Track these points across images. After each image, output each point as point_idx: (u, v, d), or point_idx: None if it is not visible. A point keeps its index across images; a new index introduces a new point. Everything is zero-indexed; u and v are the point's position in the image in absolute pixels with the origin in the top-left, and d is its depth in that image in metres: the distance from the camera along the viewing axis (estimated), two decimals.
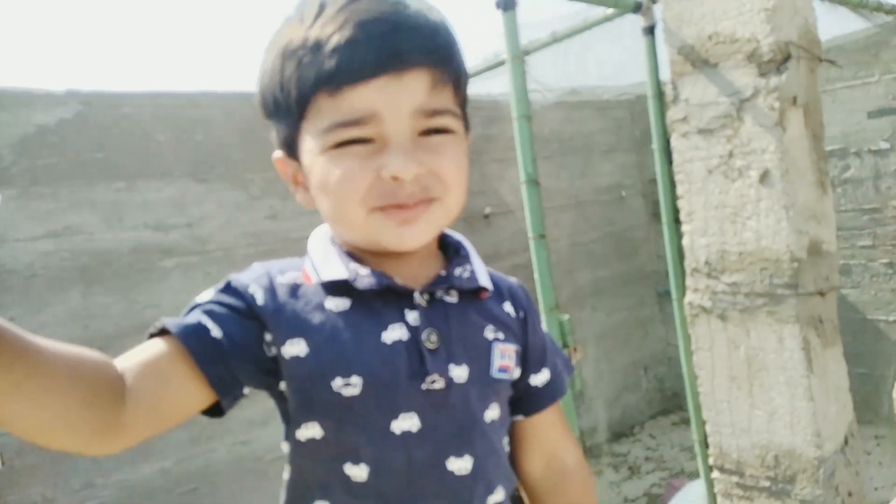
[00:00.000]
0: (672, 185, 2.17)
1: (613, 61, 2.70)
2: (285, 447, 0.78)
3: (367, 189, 0.70)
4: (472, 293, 0.81)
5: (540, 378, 0.88)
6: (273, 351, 0.73)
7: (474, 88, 3.11)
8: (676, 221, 2.23)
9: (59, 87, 2.15)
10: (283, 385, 0.74)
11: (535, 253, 1.76)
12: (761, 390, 1.93)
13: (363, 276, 0.74)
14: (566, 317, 1.75)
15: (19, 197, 2.04)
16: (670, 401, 3.71)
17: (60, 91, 2.15)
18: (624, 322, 3.57)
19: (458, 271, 0.80)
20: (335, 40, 0.68)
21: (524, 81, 1.75)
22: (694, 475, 2.92)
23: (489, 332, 0.80)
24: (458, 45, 0.77)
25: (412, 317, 0.75)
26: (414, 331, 0.75)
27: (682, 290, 2.27)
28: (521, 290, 0.91)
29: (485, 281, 0.82)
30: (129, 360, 0.68)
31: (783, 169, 1.79)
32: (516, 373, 0.83)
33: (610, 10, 2.14)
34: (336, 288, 0.76)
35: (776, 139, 1.78)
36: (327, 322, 0.73)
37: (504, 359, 0.80)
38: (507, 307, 0.85)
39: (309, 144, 0.73)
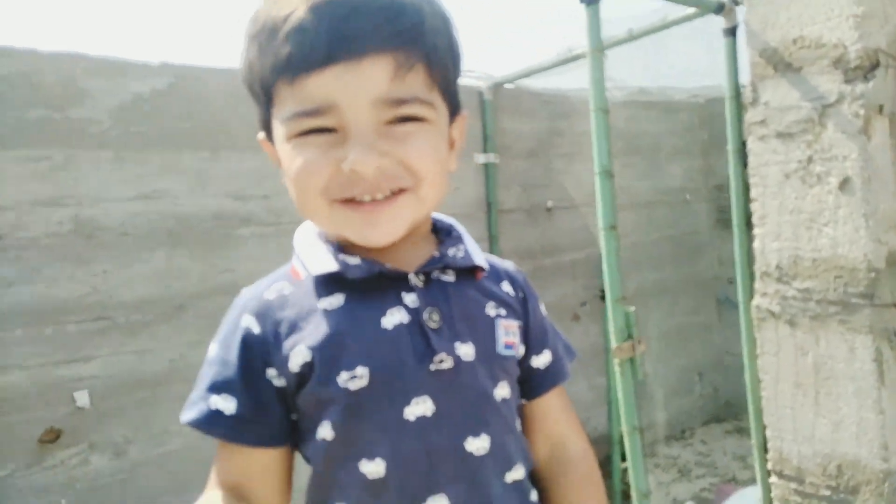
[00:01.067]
0: (745, 188, 2.15)
1: (685, 63, 2.69)
2: (302, 452, 0.77)
3: (328, 181, 0.68)
4: (468, 272, 0.79)
5: (541, 360, 0.85)
6: (282, 380, 0.72)
7: (543, 82, 3.14)
8: (747, 225, 2.21)
9: (154, 58, 2.27)
10: (295, 397, 0.73)
11: (605, 243, 1.78)
12: (828, 399, 1.90)
13: (353, 266, 0.73)
14: (632, 308, 1.77)
15: (114, 160, 2.16)
16: (723, 409, 3.66)
17: (155, 62, 2.27)
18: (681, 326, 3.55)
19: (451, 251, 0.78)
20: (289, 25, 0.65)
21: (602, 75, 1.77)
22: (745, 483, 2.89)
23: (491, 309, 0.78)
24: (436, 22, 0.71)
25: (410, 299, 0.74)
26: (414, 312, 0.73)
27: (749, 293, 2.26)
28: (519, 273, 0.88)
29: (480, 260, 0.81)
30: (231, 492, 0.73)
31: (865, 177, 1.76)
32: (521, 349, 0.81)
33: (690, 10, 2.14)
34: (328, 284, 0.74)
35: (859, 147, 1.76)
36: (323, 322, 0.71)
37: (508, 335, 0.78)
38: (506, 286, 0.83)
39: (277, 131, 0.72)
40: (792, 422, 1.99)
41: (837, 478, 1.90)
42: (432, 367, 0.72)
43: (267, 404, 0.72)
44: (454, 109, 0.79)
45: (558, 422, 0.87)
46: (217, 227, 2.32)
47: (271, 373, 0.72)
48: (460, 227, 0.86)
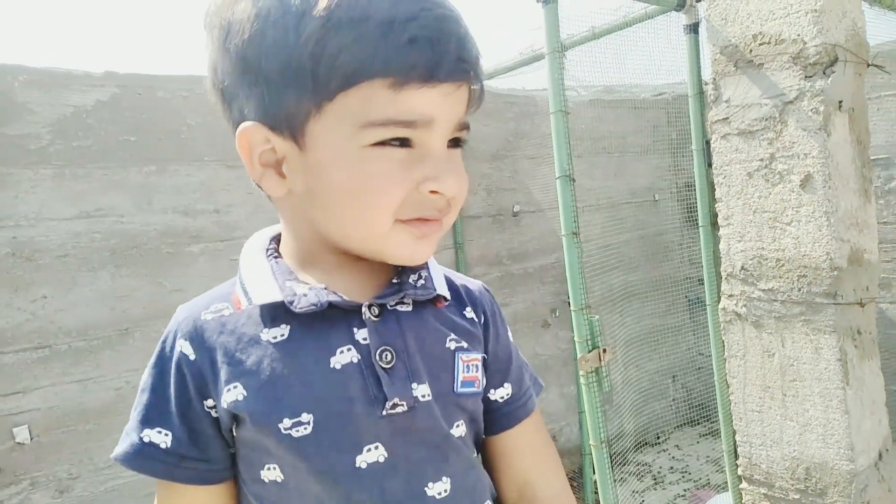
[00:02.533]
0: (710, 187, 2.12)
1: (651, 60, 2.65)
2: (247, 490, 0.70)
3: (403, 200, 0.63)
4: (428, 300, 0.73)
5: (500, 393, 0.79)
6: (219, 413, 0.67)
7: (508, 83, 3.09)
8: (713, 225, 2.18)
9: (97, 68, 2.18)
10: (234, 432, 0.68)
11: (567, 250, 1.73)
12: (795, 401, 1.88)
13: (301, 297, 0.66)
14: (596, 317, 1.72)
15: (54, 177, 2.06)
16: (697, 411, 3.64)
17: (99, 72, 2.17)
18: (653, 328, 3.52)
19: (412, 278, 0.73)
20: (415, 28, 0.59)
21: (562, 76, 1.72)
22: (720, 488, 2.86)
23: (451, 342, 0.72)
24: None
25: (361, 335, 0.67)
26: (365, 350, 0.67)
27: (717, 295, 2.23)
28: (485, 294, 0.82)
29: (441, 288, 0.75)
30: None
31: (826, 174, 1.74)
32: (484, 382, 0.75)
33: (652, 7, 2.10)
34: (273, 311, 0.67)
35: (820, 144, 1.73)
36: (264, 358, 0.65)
37: (469, 370, 0.73)
38: (468, 312, 0.78)
39: (334, 133, 0.62)
40: (760, 426, 1.96)
41: (806, 481, 1.88)
42: (384, 413, 0.66)
43: (205, 438, 0.67)
44: None
45: (525, 460, 0.80)
46: (165, 245, 2.23)
47: (209, 404, 0.66)
48: None
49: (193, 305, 0.71)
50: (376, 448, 0.66)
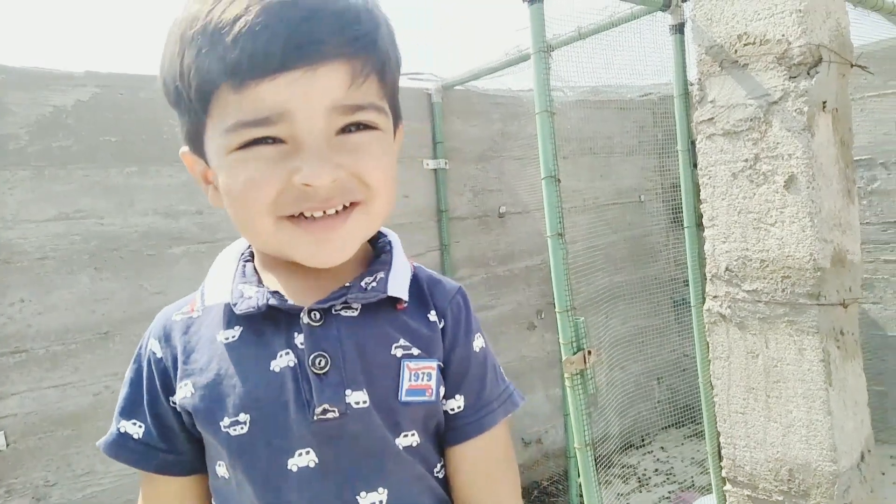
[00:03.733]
0: (695, 188, 2.12)
1: (637, 61, 2.65)
2: (210, 481, 0.73)
3: (276, 196, 0.62)
4: (383, 303, 0.71)
5: (451, 404, 0.74)
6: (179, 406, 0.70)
7: (494, 83, 3.08)
8: (698, 226, 2.18)
9: (78, 68, 2.14)
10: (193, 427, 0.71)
11: (552, 252, 1.72)
12: (778, 402, 1.88)
13: (245, 299, 0.68)
14: (581, 319, 1.71)
15: (33, 178, 2.03)
16: (682, 413, 3.65)
17: (80, 72, 2.14)
18: (639, 330, 3.52)
19: (366, 281, 0.71)
20: (239, 26, 0.58)
21: (548, 76, 1.71)
22: (704, 490, 2.87)
23: (398, 349, 0.70)
24: (386, 30, 0.68)
25: (300, 339, 0.68)
26: (301, 355, 0.67)
27: (701, 296, 2.23)
28: (455, 299, 0.78)
29: (398, 289, 0.72)
30: None
31: (810, 175, 1.74)
32: (441, 391, 0.72)
33: (638, 7, 2.10)
34: (230, 314, 0.69)
35: (804, 144, 1.73)
36: (214, 358, 0.68)
37: (418, 379, 0.70)
38: (432, 316, 0.75)
39: (214, 143, 0.64)
40: (744, 427, 1.96)
41: (789, 482, 1.88)
42: (315, 418, 0.66)
43: (172, 431, 0.71)
44: (396, 120, 0.74)
45: (471, 481, 0.75)
46: (146, 247, 2.20)
47: (173, 399, 0.70)
48: (396, 246, 0.78)
49: (169, 308, 0.75)
50: (307, 453, 0.66)
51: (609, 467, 2.98)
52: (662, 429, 3.79)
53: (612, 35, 2.34)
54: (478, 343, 0.78)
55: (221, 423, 0.66)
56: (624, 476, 3.17)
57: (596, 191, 3.55)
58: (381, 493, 0.68)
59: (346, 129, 0.64)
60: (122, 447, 0.71)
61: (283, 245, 0.65)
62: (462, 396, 0.75)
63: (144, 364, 0.72)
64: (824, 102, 1.76)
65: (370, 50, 0.64)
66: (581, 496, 3.06)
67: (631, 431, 3.55)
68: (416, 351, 0.71)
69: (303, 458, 0.66)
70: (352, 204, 0.65)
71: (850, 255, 1.85)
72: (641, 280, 3.62)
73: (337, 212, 0.64)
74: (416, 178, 2.94)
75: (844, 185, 1.84)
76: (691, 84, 2.20)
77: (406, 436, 0.70)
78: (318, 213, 0.63)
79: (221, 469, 0.69)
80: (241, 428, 0.66)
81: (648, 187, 3.82)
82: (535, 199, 3.26)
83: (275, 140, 0.62)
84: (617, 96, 3.64)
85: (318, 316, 0.68)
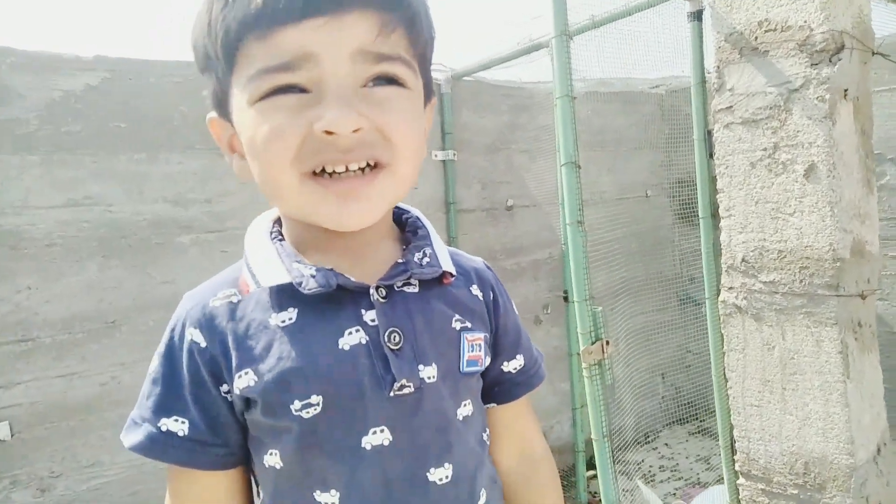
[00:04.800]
0: (711, 178, 2.10)
1: (652, 50, 2.63)
2: (252, 471, 0.73)
3: (298, 147, 0.60)
4: (435, 279, 0.73)
5: (514, 364, 0.81)
6: (231, 396, 0.67)
7: (503, 74, 3.05)
8: (714, 216, 2.16)
9: (87, 52, 2.11)
10: (245, 416, 0.69)
11: (571, 240, 1.70)
12: (794, 395, 1.86)
13: (309, 278, 0.65)
14: (599, 308, 1.69)
15: (42, 163, 2.00)
16: (686, 410, 3.64)
17: (89, 56, 2.11)
18: (643, 326, 3.50)
19: (417, 256, 0.72)
20: None
21: (569, 60, 1.68)
22: (710, 486, 2.85)
23: (457, 322, 0.72)
24: None
25: (370, 316, 0.67)
26: (373, 332, 0.67)
27: (715, 288, 2.21)
28: (489, 271, 0.83)
29: (447, 264, 0.74)
30: None
31: (830, 164, 1.72)
32: (487, 361, 0.76)
33: None
34: (280, 296, 0.67)
35: (825, 132, 1.72)
36: (274, 342, 0.66)
37: (473, 349, 0.73)
38: (475, 290, 0.78)
39: (238, 98, 0.63)
40: (759, 420, 1.94)
41: (805, 475, 1.86)
42: (392, 394, 0.66)
43: (222, 423, 0.68)
44: (427, 93, 0.72)
45: (527, 424, 0.85)
46: (155, 235, 2.17)
47: (224, 389, 0.67)
48: (426, 223, 0.79)
49: (200, 293, 0.71)
50: (381, 431, 0.66)
51: (615, 463, 2.96)
52: (666, 425, 3.77)
53: (626, 24, 2.31)
54: (514, 307, 0.84)
55: (292, 407, 0.64)
56: (629, 473, 3.15)
57: (603, 185, 3.53)
58: (447, 469, 0.69)
59: (373, 83, 0.62)
60: (167, 446, 0.66)
61: (308, 205, 0.63)
62: (521, 356, 0.82)
63: (183, 355, 0.67)
64: (846, 90, 1.74)
65: (399, 5, 0.62)
66: (589, 491, 3.05)
67: (637, 427, 3.54)
68: (469, 324, 0.73)
69: (377, 437, 0.66)
70: (377, 165, 0.63)
71: (870, 245, 1.84)
72: (648, 275, 3.60)
73: (361, 170, 0.62)
74: (424, 168, 2.91)
75: (864, 175, 1.83)
76: (708, 72, 2.18)
77: (464, 405, 0.73)
78: (340, 168, 0.61)
79: (273, 458, 0.67)
80: (314, 409, 0.64)
81: (655, 182, 3.81)
82: (544, 192, 3.24)
83: (298, 90, 0.60)
84: (626, 87, 3.62)
85: (384, 293, 0.68)
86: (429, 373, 0.68)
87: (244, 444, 0.71)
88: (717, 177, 1.93)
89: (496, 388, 0.80)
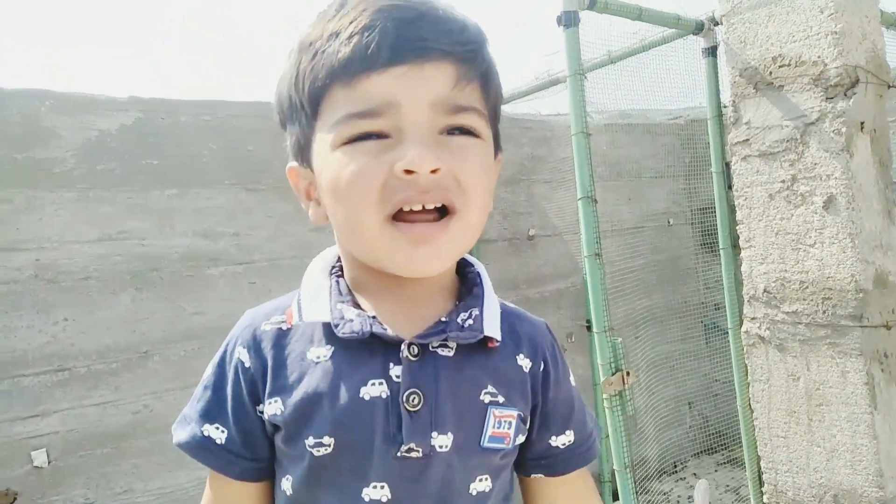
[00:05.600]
0: (731, 209, 2.11)
1: (666, 84, 2.67)
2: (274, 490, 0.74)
3: (381, 188, 0.62)
4: (476, 342, 0.70)
5: (563, 439, 0.77)
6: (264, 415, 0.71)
7: (523, 108, 3.11)
8: (734, 247, 2.17)
9: (121, 93, 2.21)
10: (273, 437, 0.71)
11: (590, 272, 1.72)
12: (821, 426, 1.85)
13: (347, 322, 0.67)
14: (619, 339, 1.70)
15: (78, 200, 2.08)
16: (714, 440, 3.58)
17: (123, 97, 2.20)
18: (669, 354, 3.48)
19: (462, 317, 0.70)
20: (352, 28, 0.62)
21: (583, 98, 1.72)
22: None
23: (486, 395, 0.70)
24: (489, 48, 0.70)
25: (396, 371, 0.67)
26: (395, 388, 0.66)
27: (738, 318, 2.21)
28: (546, 337, 0.79)
29: (492, 328, 0.71)
30: None
31: (849, 196, 1.73)
32: (519, 438, 0.73)
33: (669, 31, 2.12)
34: (323, 332, 0.69)
35: (842, 165, 1.73)
36: (305, 376, 0.68)
37: (500, 426, 0.70)
38: (521, 359, 0.74)
39: (320, 144, 0.66)
40: (786, 451, 1.93)
41: None
42: (399, 454, 0.66)
43: (256, 439, 0.71)
44: (497, 146, 0.74)
45: (581, 498, 0.81)
46: (185, 268, 2.23)
47: (260, 409, 0.70)
48: (485, 280, 0.77)
49: (257, 313, 0.74)
50: (382, 487, 0.66)
51: (644, 493, 2.93)
52: (695, 455, 3.72)
53: (642, 58, 2.36)
54: (572, 378, 0.81)
55: (306, 442, 0.66)
56: (658, 503, 3.11)
57: (624, 214, 3.55)
58: None
59: (449, 132, 0.65)
60: (205, 450, 0.71)
61: (384, 249, 0.64)
62: (572, 432, 0.78)
63: (230, 371, 0.71)
64: (862, 123, 1.76)
65: (476, 58, 0.66)
66: None
67: (664, 457, 3.50)
68: (501, 398, 0.71)
69: (377, 491, 0.66)
70: (449, 211, 0.64)
71: (892, 276, 1.83)
72: (671, 304, 3.59)
73: (437, 210, 0.64)
74: None
75: (884, 206, 1.83)
76: (724, 106, 2.21)
77: (480, 480, 0.70)
78: (417, 206, 0.63)
79: (286, 484, 0.69)
80: (325, 450, 0.66)
81: (677, 211, 3.81)
82: (565, 222, 3.27)
83: (380, 136, 0.63)
84: (645, 120, 3.65)
85: (416, 350, 0.68)
86: (442, 441, 0.67)
87: (273, 462, 0.73)
88: (737, 208, 1.95)
89: (542, 461, 0.78)
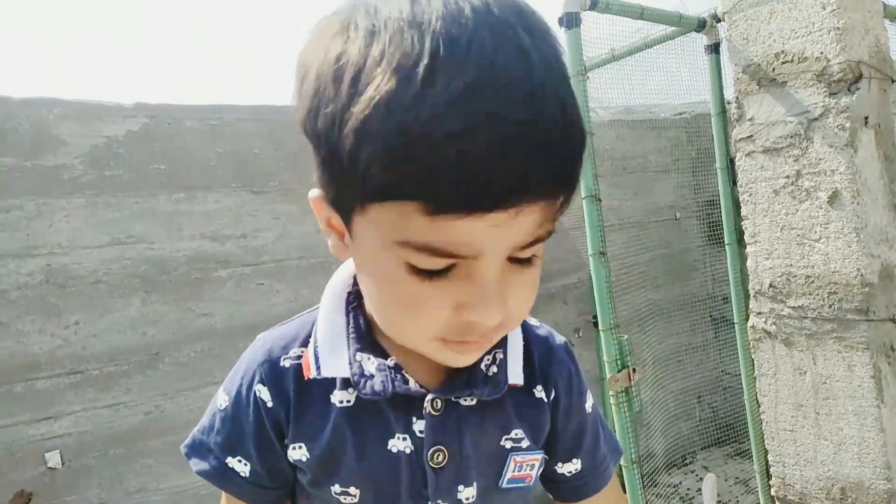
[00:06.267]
0: (735, 205, 2.12)
1: (670, 80, 2.67)
2: None
3: (437, 324, 0.56)
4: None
5: (569, 468, 0.75)
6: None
7: None
8: (739, 243, 2.17)
9: (128, 99, 2.23)
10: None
11: (594, 270, 1.73)
12: (828, 419, 1.85)
13: (367, 379, 0.64)
14: (625, 336, 1.71)
15: (87, 206, 2.10)
16: (724, 432, 3.59)
17: (129, 104, 2.22)
18: (677, 348, 3.48)
19: (485, 363, 0.67)
20: (452, 151, 0.45)
21: (586, 98, 1.73)
22: None
23: (508, 441, 0.69)
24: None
25: (419, 427, 0.65)
26: (419, 444, 0.65)
27: (744, 313, 2.21)
28: (562, 360, 0.74)
29: (516, 374, 0.68)
30: None
31: (854, 190, 1.73)
32: (538, 472, 0.72)
33: (672, 29, 2.12)
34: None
35: (847, 160, 1.73)
36: (329, 422, 0.65)
37: (522, 469, 0.70)
38: (539, 392, 0.72)
39: (373, 238, 0.53)
40: (793, 445, 1.93)
41: (842, 501, 1.84)
42: None
43: (281, 470, 0.69)
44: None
45: None
46: (194, 271, 2.25)
47: (286, 442, 0.68)
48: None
49: (273, 344, 0.69)
50: None
51: (652, 486, 2.94)
52: (704, 447, 3.72)
53: (645, 55, 2.36)
54: (589, 402, 0.76)
55: (332, 489, 0.65)
56: (666, 496, 3.12)
57: (631, 209, 3.55)
58: None
59: (515, 259, 0.56)
60: (229, 481, 0.69)
61: (428, 351, 0.60)
62: (579, 460, 0.75)
63: (250, 407, 0.67)
64: (866, 118, 1.75)
65: (573, 187, 0.54)
66: None
67: (672, 450, 3.51)
68: (525, 443, 0.69)
69: None
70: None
71: None
72: (679, 298, 3.59)
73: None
74: None
75: (890, 200, 1.83)
76: (728, 102, 2.21)
77: None
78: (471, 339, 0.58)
79: None
80: (351, 499, 0.65)
81: (684, 205, 3.81)
82: (570, 218, 3.26)
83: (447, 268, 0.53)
84: (650, 115, 3.64)
85: (439, 405, 0.66)
86: (468, 493, 0.67)
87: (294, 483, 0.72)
88: (742, 204, 1.95)
89: (551, 485, 0.77)
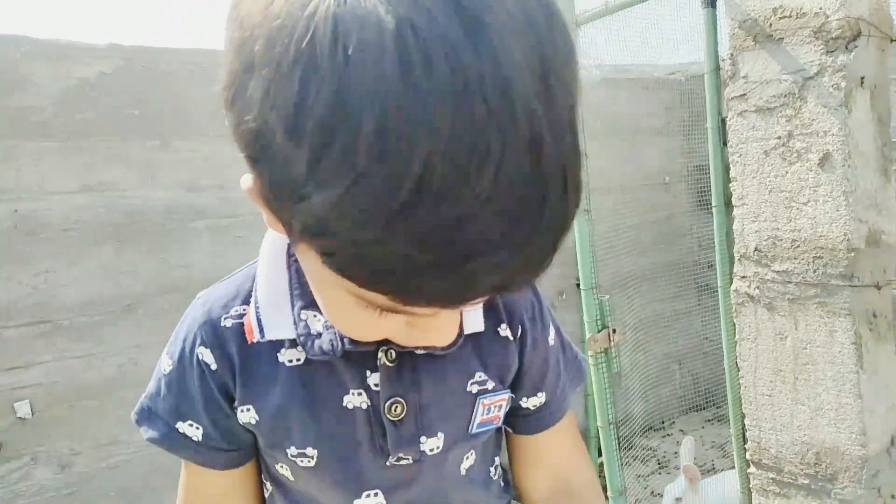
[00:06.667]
0: (725, 167, 2.08)
1: (665, 38, 2.60)
2: (265, 470, 0.71)
3: (386, 335, 0.55)
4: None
5: (534, 401, 0.73)
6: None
7: None
8: (727, 206, 2.14)
9: (101, 40, 2.14)
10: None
11: (577, 229, 1.69)
12: (806, 385, 1.85)
13: (314, 338, 0.60)
14: (606, 297, 1.69)
15: (57, 150, 2.04)
16: (703, 397, 3.63)
17: (103, 44, 2.14)
18: (661, 313, 3.48)
19: None
20: (449, 259, 0.39)
21: (579, 52, 1.67)
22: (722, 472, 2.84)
23: (474, 385, 0.66)
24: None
25: (373, 380, 0.62)
26: (375, 397, 0.62)
27: (728, 277, 2.19)
28: (526, 300, 0.72)
29: (472, 324, 0.65)
30: None
31: (845, 153, 1.69)
32: (503, 417, 0.71)
33: None
34: None
35: (840, 121, 1.69)
36: (278, 382, 0.62)
37: (490, 412, 0.67)
38: (503, 329, 0.69)
39: (319, 265, 0.43)
40: (770, 409, 1.94)
41: (816, 465, 1.85)
42: (388, 463, 0.63)
43: (234, 432, 0.66)
44: None
45: (560, 453, 0.78)
46: (169, 221, 2.20)
47: (235, 405, 0.65)
48: None
49: (213, 302, 0.66)
50: (375, 495, 0.64)
51: (629, 449, 2.97)
52: (683, 412, 3.76)
53: (640, 10, 2.29)
54: (552, 334, 0.74)
55: (288, 451, 0.63)
56: (643, 458, 3.16)
57: (620, 172, 3.50)
58: None
59: None
60: (182, 446, 0.66)
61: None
62: (544, 393, 0.74)
63: (193, 370, 0.64)
64: (862, 78, 1.70)
65: (553, 252, 0.45)
66: (602, 476, 3.06)
67: (652, 414, 3.54)
68: (491, 384, 0.67)
69: (370, 500, 0.64)
70: None
71: (886, 235, 1.81)
72: (665, 263, 3.58)
73: None
74: None
75: (881, 164, 1.80)
76: (722, 59, 2.15)
77: (467, 458, 0.69)
78: None
79: (283, 471, 0.66)
80: (309, 461, 0.63)
81: (673, 169, 3.77)
82: None
83: None
84: (643, 74, 3.57)
85: (393, 355, 0.62)
86: (433, 444, 0.64)
87: (255, 446, 0.69)
88: (731, 165, 1.91)
89: (517, 420, 0.75)
